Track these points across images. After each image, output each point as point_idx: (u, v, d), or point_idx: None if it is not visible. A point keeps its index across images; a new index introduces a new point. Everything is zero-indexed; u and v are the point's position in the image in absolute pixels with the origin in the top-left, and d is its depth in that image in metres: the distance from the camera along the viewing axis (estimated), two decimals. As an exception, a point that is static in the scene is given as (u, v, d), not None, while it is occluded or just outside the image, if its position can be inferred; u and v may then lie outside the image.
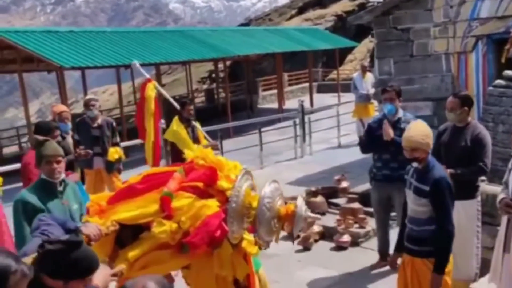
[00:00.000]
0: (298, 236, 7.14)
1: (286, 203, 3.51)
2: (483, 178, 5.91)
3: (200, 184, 3.35)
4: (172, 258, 3.33)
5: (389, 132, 5.73)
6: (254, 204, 3.26)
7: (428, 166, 4.04)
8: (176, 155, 7.20)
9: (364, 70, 13.03)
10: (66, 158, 6.08)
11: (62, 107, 7.13)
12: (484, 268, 5.28)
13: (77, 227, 3.14)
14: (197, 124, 7.60)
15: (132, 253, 3.25)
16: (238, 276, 3.44)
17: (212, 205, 3.27)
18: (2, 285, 2.07)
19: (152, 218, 3.29)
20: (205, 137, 7.69)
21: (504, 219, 4.25)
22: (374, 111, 12.53)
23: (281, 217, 3.36)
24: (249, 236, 3.44)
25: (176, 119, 7.38)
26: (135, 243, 3.35)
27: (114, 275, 3.01)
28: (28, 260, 2.46)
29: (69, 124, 6.92)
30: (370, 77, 12.82)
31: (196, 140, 7.38)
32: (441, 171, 4.06)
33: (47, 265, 2.42)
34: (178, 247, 3.31)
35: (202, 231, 3.18)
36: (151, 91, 7.54)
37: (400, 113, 5.95)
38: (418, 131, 4.03)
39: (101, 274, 2.82)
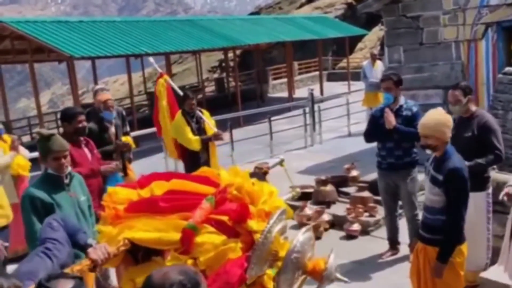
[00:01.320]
0: (305, 224, 7.20)
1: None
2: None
3: (227, 220, 3.00)
4: None
5: (390, 120, 5.73)
6: (281, 253, 2.95)
7: (445, 155, 4.02)
8: (183, 149, 7.21)
9: (373, 58, 13.00)
10: (105, 148, 6.13)
11: (107, 95, 6.72)
12: (495, 256, 5.29)
13: (86, 244, 2.98)
14: (204, 115, 7.40)
15: (140, 279, 2.87)
16: None
17: (236, 249, 2.94)
18: None
19: (169, 247, 2.98)
20: (212, 128, 7.43)
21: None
22: (381, 98, 12.52)
23: (307, 271, 3.09)
24: (269, 271, 3.06)
25: (179, 113, 7.29)
26: (145, 266, 3.06)
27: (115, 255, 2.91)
28: None
29: (114, 113, 6.55)
30: (380, 65, 12.78)
31: (201, 131, 7.23)
32: (457, 162, 4.02)
33: None
34: None
35: (221, 279, 2.84)
36: (161, 86, 7.48)
37: (402, 101, 5.94)
38: (432, 118, 4.01)
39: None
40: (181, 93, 7.57)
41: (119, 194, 3.27)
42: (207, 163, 7.07)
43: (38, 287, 2.29)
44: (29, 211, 4.00)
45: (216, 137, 7.26)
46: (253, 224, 3.01)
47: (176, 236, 2.93)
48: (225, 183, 3.20)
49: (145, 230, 2.99)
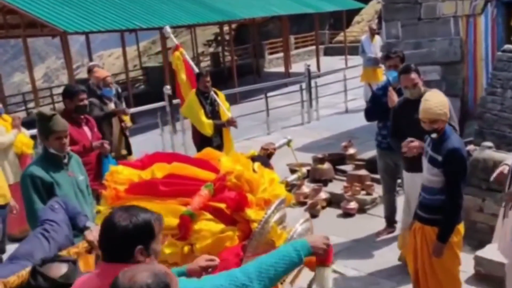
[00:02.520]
0: (305, 203, 7.20)
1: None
2: (489, 144, 5.89)
3: (225, 208, 3.04)
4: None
5: (394, 100, 5.64)
6: (278, 243, 2.93)
7: (443, 135, 3.99)
8: (196, 132, 6.83)
9: (372, 32, 12.84)
10: (104, 111, 6.14)
11: (105, 72, 6.83)
12: (492, 234, 5.32)
13: (85, 227, 3.04)
14: (218, 97, 6.94)
15: None
16: None
17: (233, 237, 2.97)
18: None
19: (166, 232, 2.99)
20: (226, 113, 6.97)
21: (507, 187, 4.27)
22: (383, 75, 12.42)
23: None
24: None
25: (192, 92, 6.88)
26: None
27: None
28: (13, 279, 2.40)
29: (113, 90, 6.64)
30: (378, 40, 12.63)
31: (215, 115, 6.80)
32: (456, 142, 4.01)
33: None
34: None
35: (218, 267, 2.82)
36: (177, 59, 7.20)
37: None
38: (436, 102, 3.95)
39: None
40: (196, 69, 7.25)
41: (120, 174, 3.31)
42: (219, 148, 6.62)
43: (32, 273, 2.30)
44: (30, 190, 4.05)
45: (230, 123, 6.84)
46: (251, 213, 3.02)
47: (174, 221, 2.96)
48: (224, 170, 3.20)
49: None
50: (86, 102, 5.45)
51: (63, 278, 2.28)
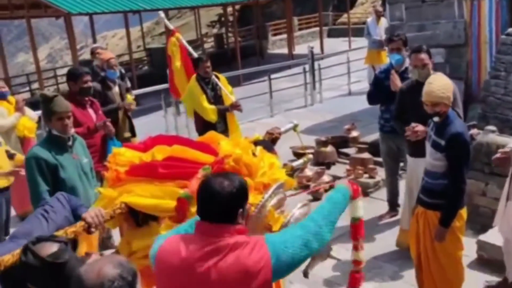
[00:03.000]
0: (308, 186, 7.24)
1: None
2: (492, 128, 5.90)
3: None
4: None
5: (396, 83, 5.63)
6: (275, 227, 2.97)
7: (447, 120, 3.98)
8: (199, 119, 6.67)
9: (378, 15, 12.74)
10: (109, 106, 6.10)
11: (109, 54, 6.75)
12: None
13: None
14: (220, 81, 6.74)
15: (136, 243, 3.06)
16: None
17: None
18: None
19: (164, 215, 3.07)
20: (229, 97, 6.80)
21: (511, 170, 4.29)
22: (387, 57, 12.39)
23: None
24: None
25: (193, 78, 6.68)
26: (142, 229, 3.14)
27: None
28: (7, 258, 2.42)
29: (117, 72, 6.56)
30: (384, 22, 12.55)
31: (217, 100, 6.62)
32: (459, 126, 3.99)
33: (26, 276, 2.34)
34: None
35: None
36: (173, 45, 6.98)
37: (407, 63, 5.77)
38: (439, 85, 3.93)
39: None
40: (195, 54, 7.02)
41: (122, 156, 3.30)
42: (224, 133, 6.31)
43: (24, 249, 2.33)
44: (35, 171, 4.05)
45: (234, 107, 6.65)
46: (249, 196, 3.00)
47: (172, 204, 2.97)
48: (223, 153, 3.19)
49: (142, 196, 3.03)
50: (90, 84, 5.46)
51: (51, 257, 2.28)
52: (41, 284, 2.34)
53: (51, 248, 2.33)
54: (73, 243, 2.83)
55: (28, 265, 2.29)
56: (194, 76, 6.68)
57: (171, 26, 7.34)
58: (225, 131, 6.48)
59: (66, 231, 2.75)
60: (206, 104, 6.48)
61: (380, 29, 12.48)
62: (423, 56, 4.89)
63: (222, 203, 2.32)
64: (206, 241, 2.30)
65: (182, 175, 3.08)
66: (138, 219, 3.16)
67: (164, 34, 25.65)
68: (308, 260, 2.99)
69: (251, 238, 2.36)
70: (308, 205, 3.15)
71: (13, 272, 2.39)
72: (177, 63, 6.97)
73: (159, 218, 3.13)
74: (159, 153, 3.24)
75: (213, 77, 6.67)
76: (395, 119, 5.36)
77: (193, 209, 2.90)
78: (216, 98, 6.61)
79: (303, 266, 3.10)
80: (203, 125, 6.55)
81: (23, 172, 5.46)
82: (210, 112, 6.48)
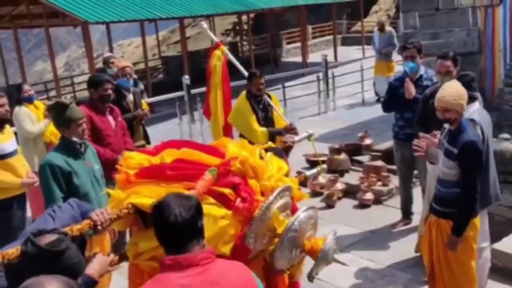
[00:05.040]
0: (321, 194, 7.27)
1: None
2: (506, 136, 5.89)
3: (228, 192, 3.03)
4: None
5: (411, 91, 5.61)
6: (279, 230, 2.95)
7: (460, 128, 3.95)
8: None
9: (380, 26, 12.83)
10: (124, 116, 6.01)
11: (124, 62, 6.60)
12: (510, 227, 5.33)
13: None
14: (272, 101, 6.05)
15: (143, 244, 3.04)
16: None
17: (235, 225, 2.97)
18: None
19: None
20: (282, 118, 6.13)
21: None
22: (394, 68, 12.43)
23: (305, 250, 3.06)
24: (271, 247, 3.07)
25: (242, 95, 6.01)
26: (149, 231, 3.07)
27: (111, 264, 2.97)
28: (11, 251, 2.45)
29: (131, 81, 6.42)
30: (388, 33, 12.61)
31: (268, 121, 5.96)
32: (472, 135, 3.97)
33: (26, 266, 2.36)
34: None
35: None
36: (217, 60, 6.38)
37: (422, 70, 5.80)
38: (451, 92, 3.91)
39: (97, 263, 2.81)
40: (243, 70, 6.36)
41: (132, 159, 3.34)
42: None
43: (25, 241, 2.37)
44: (49, 178, 4.07)
45: (289, 131, 5.80)
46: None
47: None
48: (230, 155, 3.21)
49: (149, 197, 3.04)
50: (110, 92, 5.50)
51: (49, 246, 2.33)
52: (39, 274, 2.36)
53: (50, 238, 2.37)
54: (81, 243, 2.90)
55: (27, 254, 2.33)
56: (243, 93, 6.06)
57: (215, 38, 6.77)
58: None
59: (72, 228, 2.77)
60: (256, 125, 5.83)
61: (381, 40, 12.57)
62: (448, 63, 4.85)
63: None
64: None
65: (188, 177, 3.10)
66: (147, 221, 3.17)
67: (179, 42, 25.78)
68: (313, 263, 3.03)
69: None
70: (314, 209, 3.14)
71: (17, 266, 2.42)
72: (217, 79, 6.40)
73: None
74: (168, 156, 3.28)
75: (265, 96, 6.03)
76: (416, 124, 5.30)
77: None
78: (266, 119, 5.96)
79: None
80: None
81: (37, 183, 5.54)
82: (260, 134, 5.79)
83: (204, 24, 6.86)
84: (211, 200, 3.00)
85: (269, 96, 6.10)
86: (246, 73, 6.22)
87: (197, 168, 3.14)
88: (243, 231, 2.93)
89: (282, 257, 2.97)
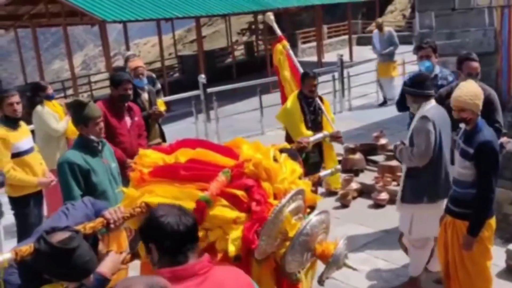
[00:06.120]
0: (336, 193, 7.29)
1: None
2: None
3: (241, 194, 3.02)
4: None
5: None
6: (291, 233, 2.93)
7: (475, 128, 3.96)
8: (290, 140, 5.52)
9: (379, 27, 12.77)
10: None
11: (137, 62, 6.66)
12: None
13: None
14: (323, 105, 5.86)
15: None
16: None
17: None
18: None
19: None
20: (330, 125, 5.97)
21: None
22: (397, 69, 12.40)
23: (316, 254, 3.03)
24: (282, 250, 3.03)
25: (294, 95, 5.86)
26: None
27: (124, 262, 3.00)
28: (25, 248, 2.49)
29: (145, 80, 6.48)
30: (386, 34, 12.55)
31: (316, 125, 5.78)
32: (488, 135, 3.97)
33: (38, 264, 2.43)
34: (199, 253, 3.03)
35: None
36: (280, 54, 6.36)
37: (437, 70, 5.78)
38: (467, 91, 3.92)
39: (109, 261, 2.84)
40: (299, 67, 6.25)
41: (147, 158, 3.36)
42: (317, 165, 5.74)
43: (38, 239, 2.44)
44: (68, 176, 4.10)
45: (334, 138, 5.70)
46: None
47: (191, 205, 2.97)
48: (243, 157, 3.21)
49: (162, 196, 3.05)
50: (130, 92, 5.54)
51: (61, 243, 2.38)
52: (51, 272, 2.43)
53: (62, 236, 2.42)
54: (94, 241, 2.94)
55: (40, 252, 2.38)
56: (295, 93, 5.93)
57: (279, 31, 6.68)
58: (318, 163, 5.85)
59: (85, 226, 2.81)
60: (303, 129, 5.67)
61: (382, 41, 12.50)
62: (477, 64, 4.94)
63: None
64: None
65: (202, 178, 3.10)
66: None
67: (195, 41, 25.91)
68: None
69: None
70: (327, 213, 3.13)
71: (31, 263, 2.48)
72: (285, 72, 6.35)
73: None
74: (182, 155, 3.29)
75: (317, 98, 5.87)
76: None
77: (211, 212, 2.95)
78: (315, 123, 5.80)
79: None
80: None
81: (53, 182, 5.59)
82: None
83: (271, 16, 6.77)
84: (224, 202, 3.00)
85: (321, 99, 5.93)
86: (302, 71, 6.12)
87: (210, 169, 3.15)
88: (251, 223, 2.93)
89: (293, 260, 2.96)
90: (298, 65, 6.36)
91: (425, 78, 4.77)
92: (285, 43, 6.39)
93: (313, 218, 3.00)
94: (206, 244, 2.94)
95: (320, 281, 3.09)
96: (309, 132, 5.55)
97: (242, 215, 2.97)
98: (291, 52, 6.36)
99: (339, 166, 4.70)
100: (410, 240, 4.89)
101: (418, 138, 4.53)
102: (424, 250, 4.87)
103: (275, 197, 3.08)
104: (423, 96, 4.61)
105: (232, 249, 2.87)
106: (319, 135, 4.69)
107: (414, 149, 4.56)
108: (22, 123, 5.67)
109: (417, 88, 4.62)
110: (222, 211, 2.96)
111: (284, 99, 6.50)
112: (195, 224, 2.29)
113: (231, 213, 2.97)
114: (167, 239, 2.20)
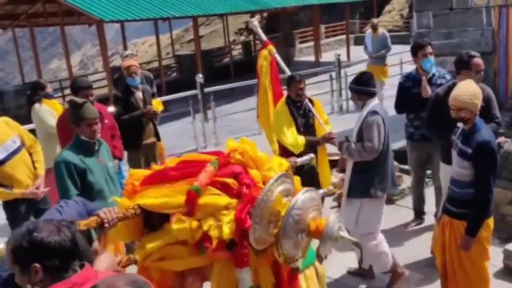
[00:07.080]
0: (334, 193, 7.26)
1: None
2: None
3: (231, 182, 3.07)
4: (190, 255, 3.09)
5: (428, 89, 5.56)
6: (283, 212, 2.90)
7: (474, 128, 3.94)
8: (282, 148, 5.53)
9: (373, 28, 12.06)
10: (133, 114, 6.19)
11: (130, 62, 6.59)
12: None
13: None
14: (314, 107, 5.62)
15: (150, 245, 3.07)
16: (262, 285, 3.12)
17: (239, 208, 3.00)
18: None
19: (175, 211, 3.04)
20: (323, 127, 5.67)
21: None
22: (388, 73, 12.16)
23: (310, 232, 2.97)
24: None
25: (282, 100, 5.66)
26: (158, 233, 3.14)
27: (120, 265, 2.96)
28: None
29: (138, 79, 6.46)
30: (381, 35, 11.96)
31: (308, 129, 5.54)
32: (486, 134, 3.95)
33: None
34: (196, 246, 3.04)
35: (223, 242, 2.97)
36: (264, 59, 6.10)
37: (434, 69, 5.77)
38: (466, 91, 3.91)
39: (104, 262, 2.77)
40: (287, 71, 6.03)
41: (137, 173, 3.42)
42: (311, 171, 5.48)
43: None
44: (64, 175, 4.11)
45: (326, 140, 5.57)
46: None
47: (182, 199, 3.02)
48: (229, 148, 3.29)
49: (154, 197, 3.11)
50: (90, 98, 5.31)
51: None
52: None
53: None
54: (87, 240, 2.85)
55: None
56: (283, 98, 5.73)
57: (264, 37, 6.41)
58: (312, 170, 5.52)
59: (79, 223, 2.79)
60: (294, 133, 5.42)
61: (374, 43, 11.92)
62: (480, 61, 4.93)
63: None
64: None
65: (191, 174, 3.15)
66: (153, 224, 3.22)
67: (192, 41, 25.91)
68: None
69: None
70: (315, 191, 3.10)
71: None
72: (265, 80, 6.06)
73: (170, 216, 3.14)
74: (171, 162, 3.39)
75: (306, 101, 5.61)
76: (428, 125, 5.26)
77: (201, 200, 3.00)
78: (307, 126, 5.55)
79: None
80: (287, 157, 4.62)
81: (41, 188, 5.24)
82: (299, 143, 5.38)
83: (255, 21, 6.70)
84: (214, 190, 3.06)
85: (311, 101, 5.68)
86: (288, 72, 5.99)
87: (200, 164, 3.21)
88: (243, 205, 2.97)
89: (288, 238, 2.91)
90: (285, 68, 6.18)
91: (369, 76, 4.96)
92: (271, 47, 6.14)
93: (302, 195, 2.98)
94: (201, 234, 2.98)
95: (318, 257, 3.01)
96: (300, 137, 5.37)
97: (233, 201, 3.02)
98: (277, 56, 6.14)
99: (312, 154, 4.57)
100: (360, 236, 4.70)
101: (369, 132, 4.67)
102: (381, 243, 4.94)
103: (264, 184, 3.09)
104: (368, 94, 4.80)
105: (226, 231, 2.91)
106: (306, 158, 4.60)
107: (366, 144, 4.68)
108: None
109: (363, 85, 4.82)
110: (213, 198, 3.02)
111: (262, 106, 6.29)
112: (75, 231, 2.23)
113: (223, 200, 3.02)
114: (56, 257, 2.10)
